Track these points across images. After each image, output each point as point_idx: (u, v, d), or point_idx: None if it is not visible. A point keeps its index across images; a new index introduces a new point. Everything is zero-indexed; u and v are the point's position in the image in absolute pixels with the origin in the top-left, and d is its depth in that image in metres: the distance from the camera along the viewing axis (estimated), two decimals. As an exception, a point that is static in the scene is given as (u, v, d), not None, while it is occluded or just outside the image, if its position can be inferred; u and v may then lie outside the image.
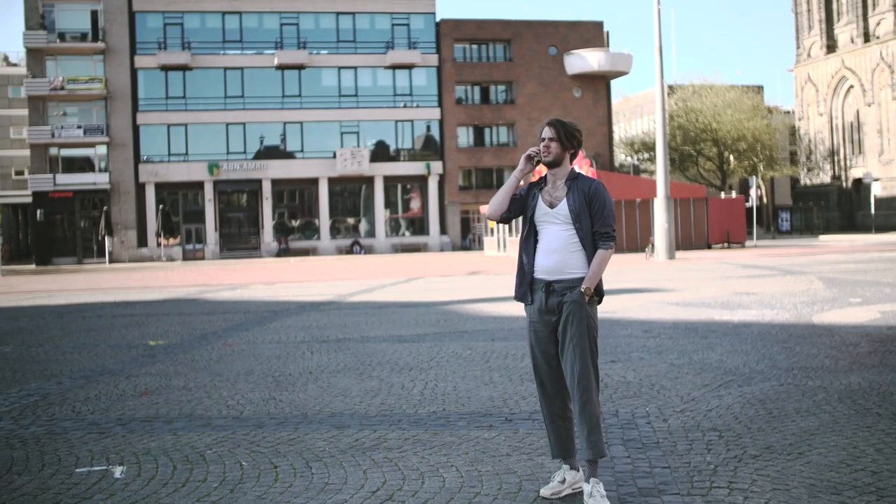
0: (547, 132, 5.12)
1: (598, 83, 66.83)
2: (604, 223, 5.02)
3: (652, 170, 74.58)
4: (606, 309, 14.81)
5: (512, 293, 5.40)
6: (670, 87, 73.71)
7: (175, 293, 25.14)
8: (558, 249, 5.05)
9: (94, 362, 11.05)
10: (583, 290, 4.94)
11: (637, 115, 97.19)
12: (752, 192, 51.51)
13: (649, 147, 76.45)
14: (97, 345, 12.90)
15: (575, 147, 5.17)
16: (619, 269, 28.72)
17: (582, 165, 46.94)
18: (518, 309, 16.01)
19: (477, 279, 27.37)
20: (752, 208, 52.20)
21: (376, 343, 11.96)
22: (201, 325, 15.24)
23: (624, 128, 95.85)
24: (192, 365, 10.52)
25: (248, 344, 12.35)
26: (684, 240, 44.00)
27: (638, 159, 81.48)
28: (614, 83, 69.16)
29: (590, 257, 5.03)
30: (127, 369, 10.36)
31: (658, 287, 20.03)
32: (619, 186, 46.97)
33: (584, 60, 65.19)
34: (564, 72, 65.81)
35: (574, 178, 5.14)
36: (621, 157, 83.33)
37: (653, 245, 36.07)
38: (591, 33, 66.78)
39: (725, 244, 46.74)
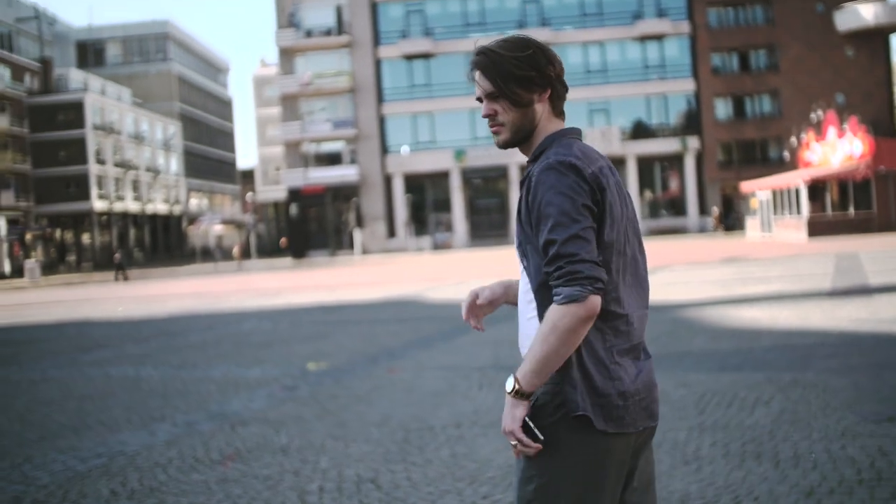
0: (477, 84, 2.65)
1: (875, 40, 59.67)
2: (545, 244, 2.41)
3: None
4: (883, 318, 11.29)
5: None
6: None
7: (398, 291, 23.47)
8: (520, 314, 2.62)
9: (221, 397, 9.11)
10: (508, 388, 2.46)
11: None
12: None
13: (938, 108, 68.05)
14: (250, 367, 11.04)
15: (537, 86, 2.60)
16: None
17: (857, 133, 41.55)
18: (769, 312, 12.82)
19: (730, 269, 23.86)
20: None
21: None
22: (383, 339, 13.14)
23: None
24: (325, 404, 8.32)
25: (414, 369, 10.04)
26: None
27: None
28: (894, 41, 61.45)
29: None
30: (246, 410, 8.31)
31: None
32: (904, 156, 41.29)
33: (857, 15, 58.41)
34: (834, 30, 59.26)
35: (535, 158, 2.61)
36: (905, 122, 74.84)
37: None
38: (865, -15, 59.79)
39: None
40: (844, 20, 58.87)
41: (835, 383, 7.57)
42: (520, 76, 2.55)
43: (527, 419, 2.42)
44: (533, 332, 2.50)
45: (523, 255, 2.54)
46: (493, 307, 2.86)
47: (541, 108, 2.61)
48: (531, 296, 2.53)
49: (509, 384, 2.43)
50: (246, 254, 66.57)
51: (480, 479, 5.67)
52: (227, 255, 68.70)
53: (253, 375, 10.45)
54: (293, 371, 10.60)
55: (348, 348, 12.34)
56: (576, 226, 2.36)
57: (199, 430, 7.65)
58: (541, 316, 2.46)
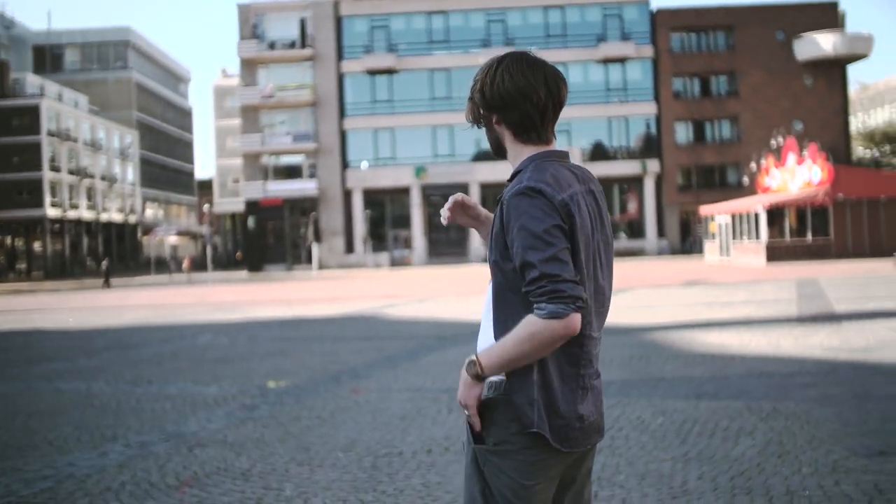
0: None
1: (833, 70, 60.49)
2: (522, 266, 2.42)
3: (896, 164, 67.28)
4: (855, 346, 11.17)
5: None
6: (918, 71, 66.09)
7: (357, 307, 23.10)
8: (484, 317, 2.63)
9: (177, 416, 8.69)
10: (467, 370, 2.51)
11: (877, 103, 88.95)
12: None
13: (892, 139, 69.26)
14: (208, 384, 10.62)
15: (492, 108, 2.65)
16: (861, 281, 24.35)
17: (816, 160, 41.94)
18: (739, 338, 12.65)
19: (693, 292, 23.79)
20: None
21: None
22: (346, 357, 12.77)
23: (862, 119, 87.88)
24: (288, 427, 7.95)
25: (379, 391, 9.70)
26: (941, 243, 38.26)
27: (879, 153, 74.02)
28: (851, 71, 62.23)
29: None
30: (204, 430, 7.92)
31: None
32: (859, 183, 41.86)
33: (816, 45, 59.19)
34: (794, 58, 60.00)
35: (511, 180, 2.62)
36: (859, 150, 75.92)
37: (904, 250, 31.04)
38: (824, 15, 60.55)
39: None
40: (803, 49, 59.62)
41: (817, 414, 7.35)
42: (471, 97, 2.69)
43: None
44: (490, 340, 2.51)
45: (492, 270, 2.55)
46: (474, 216, 2.88)
47: (501, 131, 2.65)
48: (492, 308, 2.54)
49: (470, 367, 2.47)
50: (201, 266, 65.67)
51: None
52: (182, 266, 67.71)
53: (210, 393, 10.04)
54: (252, 389, 10.20)
55: (309, 366, 11.95)
56: (551, 248, 2.38)
57: (154, 451, 7.24)
58: (496, 329, 2.50)
